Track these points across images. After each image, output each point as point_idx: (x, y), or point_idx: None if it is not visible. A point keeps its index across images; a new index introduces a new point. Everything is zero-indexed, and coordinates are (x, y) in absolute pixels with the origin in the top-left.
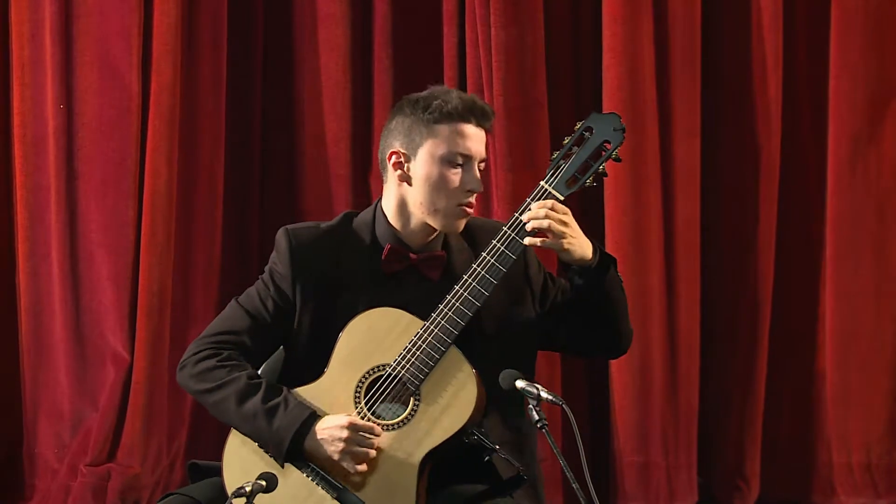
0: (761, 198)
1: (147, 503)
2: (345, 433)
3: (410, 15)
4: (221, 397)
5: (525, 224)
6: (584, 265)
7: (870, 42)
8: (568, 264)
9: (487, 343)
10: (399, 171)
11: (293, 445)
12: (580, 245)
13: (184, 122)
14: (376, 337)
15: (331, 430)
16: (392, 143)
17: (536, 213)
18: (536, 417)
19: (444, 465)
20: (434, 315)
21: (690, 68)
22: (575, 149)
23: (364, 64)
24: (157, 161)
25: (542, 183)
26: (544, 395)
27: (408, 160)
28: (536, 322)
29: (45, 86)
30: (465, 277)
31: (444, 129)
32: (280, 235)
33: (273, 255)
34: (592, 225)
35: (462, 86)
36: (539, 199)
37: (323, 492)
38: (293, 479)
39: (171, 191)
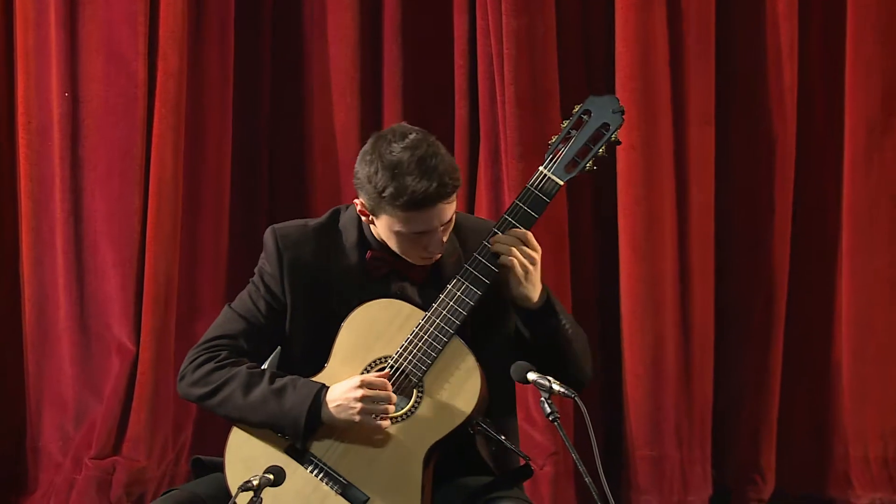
0: (776, 187)
1: (153, 497)
2: (359, 392)
3: (420, 3)
4: (226, 395)
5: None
6: (527, 306)
7: (886, 30)
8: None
9: (480, 335)
10: (365, 217)
11: (310, 420)
12: (534, 286)
13: (190, 110)
14: (377, 328)
15: (344, 394)
16: (358, 189)
17: (506, 241)
18: (548, 410)
19: (449, 456)
20: (435, 305)
21: (704, 56)
22: (573, 132)
23: (373, 53)
24: (163, 149)
25: (540, 168)
26: (556, 387)
27: (371, 213)
28: (512, 326)
29: (49, 73)
30: (466, 266)
31: (399, 213)
32: (267, 235)
33: (262, 255)
34: (604, 215)
35: (473, 75)
36: (538, 185)
37: (327, 487)
38: (297, 476)
39: (178, 179)
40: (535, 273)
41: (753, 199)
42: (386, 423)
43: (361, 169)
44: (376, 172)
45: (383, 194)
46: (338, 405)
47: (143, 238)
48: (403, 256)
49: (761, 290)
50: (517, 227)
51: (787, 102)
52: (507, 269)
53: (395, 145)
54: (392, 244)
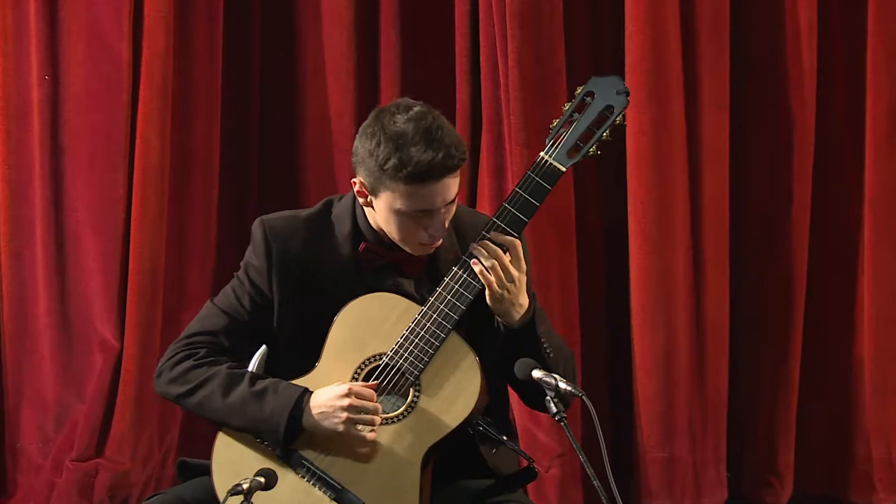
0: (794, 175)
1: (137, 501)
2: (346, 400)
3: None
4: (205, 395)
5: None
6: (506, 324)
7: None
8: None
9: (478, 331)
10: (363, 199)
11: (291, 426)
12: (511, 304)
13: (177, 93)
14: (372, 324)
15: (330, 401)
16: (356, 167)
17: (487, 252)
18: (554, 409)
19: (448, 458)
20: (432, 299)
21: (718, 37)
22: (576, 115)
23: (370, 33)
24: (148, 134)
25: (541, 154)
26: (562, 385)
27: (370, 193)
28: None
29: (28, 54)
30: (464, 258)
31: (401, 187)
32: (255, 227)
33: (249, 248)
34: (613, 203)
35: (475, 56)
36: (539, 172)
37: (320, 493)
38: (288, 480)
39: (164, 166)
40: (518, 292)
41: (770, 188)
42: (372, 434)
43: (362, 144)
44: (378, 145)
45: (385, 167)
46: (322, 412)
47: (127, 228)
48: (401, 245)
49: (779, 283)
50: (509, 232)
51: (806, 86)
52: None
53: (398, 117)
54: (391, 228)
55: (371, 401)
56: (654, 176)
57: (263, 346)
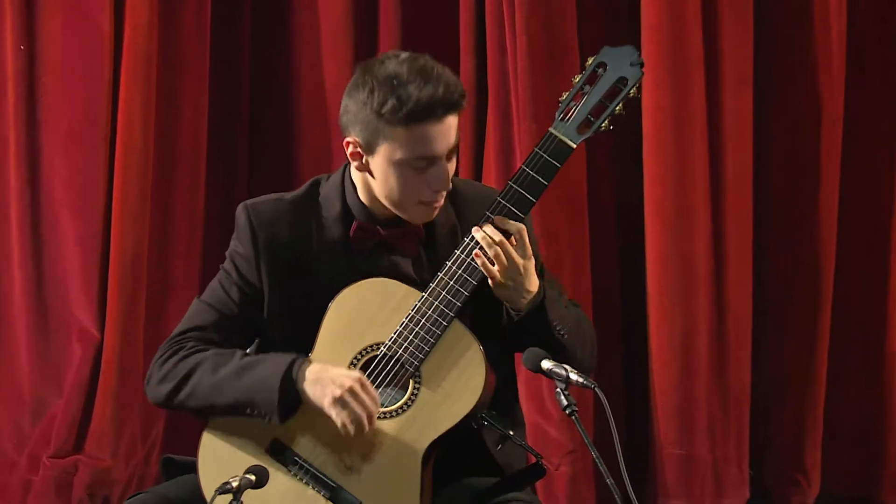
0: (822, 156)
1: (119, 500)
2: (350, 382)
3: None
4: (195, 382)
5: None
6: (512, 309)
7: None
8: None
9: (481, 319)
10: (357, 162)
11: (286, 387)
12: (516, 290)
13: (162, 67)
14: (368, 312)
15: (336, 374)
16: (347, 127)
17: (489, 238)
18: (565, 402)
19: (450, 455)
20: (433, 285)
21: (741, 6)
22: (587, 88)
23: (368, 2)
24: (131, 112)
25: (550, 130)
26: (573, 377)
27: (366, 153)
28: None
29: (3, 24)
30: (467, 240)
31: (401, 132)
32: (239, 213)
33: (233, 236)
34: (628, 185)
35: (480, 25)
36: (548, 149)
37: (314, 491)
38: (279, 479)
39: (148, 144)
40: (524, 280)
41: (796, 169)
42: (352, 430)
43: (351, 100)
44: (371, 91)
45: (383, 111)
46: (318, 378)
47: (108, 209)
48: (401, 211)
49: (805, 269)
50: (515, 213)
51: (835, 60)
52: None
53: (388, 62)
54: (391, 187)
55: (375, 403)
56: (673, 156)
57: (256, 341)
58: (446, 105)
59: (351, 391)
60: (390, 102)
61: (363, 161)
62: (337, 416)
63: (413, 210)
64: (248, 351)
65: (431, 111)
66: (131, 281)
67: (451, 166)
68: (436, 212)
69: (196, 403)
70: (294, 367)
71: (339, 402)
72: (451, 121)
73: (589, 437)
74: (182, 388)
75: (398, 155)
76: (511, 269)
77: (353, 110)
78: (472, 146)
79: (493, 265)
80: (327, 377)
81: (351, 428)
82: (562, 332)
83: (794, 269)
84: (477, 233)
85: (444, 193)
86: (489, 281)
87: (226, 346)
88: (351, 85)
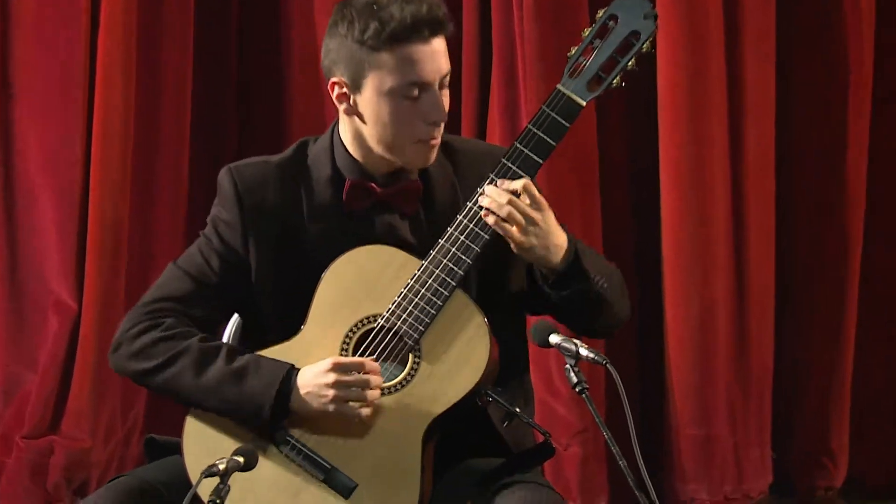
0: (850, 131)
1: (98, 484)
2: (330, 377)
3: None
4: (173, 373)
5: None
6: (547, 270)
7: None
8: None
9: (485, 287)
10: (345, 105)
11: (277, 409)
12: (545, 248)
13: (143, 27)
14: (365, 281)
15: (314, 379)
16: (331, 69)
17: (496, 197)
18: (575, 379)
19: (453, 434)
20: (434, 252)
21: None
22: (597, 42)
23: None
24: (111, 73)
25: (558, 86)
26: (584, 352)
27: (353, 92)
28: (523, 278)
29: None
30: (469, 204)
31: (387, 57)
32: (222, 177)
33: (216, 201)
34: (641, 161)
35: None
36: (555, 107)
37: (307, 474)
38: (270, 460)
39: (128, 109)
40: (547, 233)
41: (823, 143)
42: (366, 410)
43: (332, 39)
44: (351, 23)
45: (365, 38)
46: (308, 391)
47: (86, 177)
48: (397, 154)
49: (832, 243)
50: (522, 176)
51: (865, 30)
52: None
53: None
54: (384, 125)
55: (358, 372)
56: (690, 130)
57: (236, 316)
58: (432, 23)
59: (337, 384)
60: (372, 26)
61: (351, 103)
62: (349, 412)
63: (410, 151)
64: (231, 329)
65: (416, 30)
66: (111, 250)
67: (446, 99)
68: (434, 151)
69: (171, 396)
70: (287, 384)
71: (338, 400)
72: (439, 44)
73: (600, 417)
74: (157, 374)
75: (387, 84)
76: (530, 226)
77: (335, 47)
78: (476, 108)
79: (511, 226)
80: (313, 385)
81: (366, 412)
82: (602, 283)
83: (820, 243)
84: (483, 199)
85: (442, 129)
86: (513, 246)
87: (204, 322)
88: (330, 24)
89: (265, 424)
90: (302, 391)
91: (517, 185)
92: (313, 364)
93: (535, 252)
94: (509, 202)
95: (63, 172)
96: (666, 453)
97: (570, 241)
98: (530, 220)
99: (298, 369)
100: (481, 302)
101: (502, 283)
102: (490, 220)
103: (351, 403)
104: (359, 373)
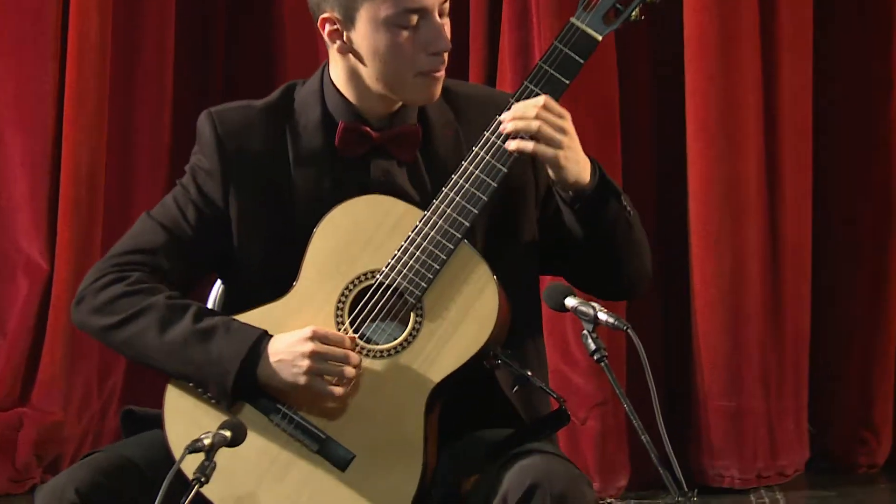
0: (894, 61)
1: (71, 460)
2: (308, 346)
3: None
4: (136, 330)
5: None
6: (578, 191)
7: None
8: (556, 188)
9: (493, 239)
10: (338, 43)
11: (242, 376)
12: (577, 162)
13: None
14: (361, 234)
15: (290, 346)
16: (320, 3)
17: (523, 114)
18: (593, 347)
19: (459, 401)
20: (437, 201)
21: None
22: None
23: None
24: (86, 9)
25: (571, 20)
26: (603, 316)
27: (346, 28)
28: (535, 231)
29: None
30: (475, 148)
31: None
32: (202, 121)
33: (195, 148)
34: (667, 96)
35: None
36: (569, 42)
37: (299, 445)
38: (260, 430)
39: (105, 48)
40: (574, 140)
41: (863, 76)
42: (340, 389)
43: None
44: None
45: None
46: (279, 359)
47: (59, 124)
48: (397, 90)
49: (874, 192)
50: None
51: None
52: (533, 154)
53: None
54: (382, 61)
55: (340, 346)
56: (720, 62)
57: (219, 282)
58: None
59: (314, 355)
60: None
61: (344, 39)
62: (321, 389)
63: (412, 86)
64: (215, 294)
65: None
66: (85, 206)
67: (447, 28)
68: (439, 85)
69: (132, 355)
70: (257, 349)
71: (312, 372)
72: None
73: (621, 387)
74: (118, 329)
75: (382, 12)
76: (563, 138)
77: None
78: (484, 51)
79: (543, 144)
80: (287, 352)
81: (340, 391)
82: (628, 209)
83: (862, 193)
84: (507, 121)
85: (446, 60)
86: (549, 169)
87: (175, 278)
88: None
89: (227, 392)
90: (272, 358)
91: (539, 101)
92: (293, 332)
93: (568, 171)
94: (537, 116)
95: (34, 123)
96: (693, 427)
97: (591, 159)
98: (560, 130)
99: (271, 336)
100: (490, 254)
101: (513, 231)
102: (512, 145)
103: (326, 378)
104: (340, 346)
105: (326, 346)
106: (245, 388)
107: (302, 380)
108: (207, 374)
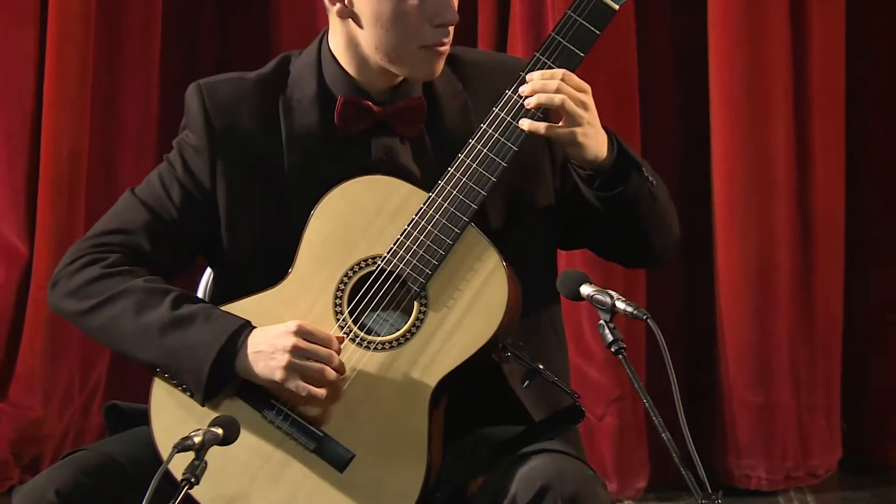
0: None
1: (52, 460)
2: (290, 340)
3: None
4: (111, 315)
5: (525, 100)
6: (596, 168)
7: None
8: (573, 166)
9: (503, 223)
10: (338, 6)
11: (218, 367)
12: (596, 138)
13: None
14: (362, 217)
15: (271, 339)
16: None
17: (544, 86)
18: (610, 338)
19: (466, 396)
20: (442, 182)
21: None
22: None
23: None
24: None
25: None
26: (621, 305)
27: None
28: (552, 205)
29: None
30: (483, 125)
31: None
32: (190, 94)
33: (182, 122)
34: (690, 65)
35: None
36: (583, 11)
37: (295, 443)
38: (253, 428)
39: (89, 15)
40: (594, 121)
41: None
42: (320, 391)
43: None
44: None
45: None
46: (258, 351)
47: (38, 98)
48: (401, 64)
49: None
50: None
51: None
52: (547, 135)
53: None
54: (384, 29)
55: (325, 346)
56: (746, 27)
57: (209, 270)
58: None
59: (295, 351)
60: None
61: (346, 2)
62: (297, 387)
63: (415, 59)
64: (205, 283)
65: None
66: (68, 184)
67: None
68: (442, 61)
69: (107, 342)
70: (237, 338)
71: (291, 369)
72: None
73: (640, 381)
74: (92, 314)
75: None
76: (585, 113)
77: None
78: (494, 20)
79: (562, 119)
80: (268, 344)
81: (320, 393)
82: (650, 179)
83: None
84: (528, 93)
85: (451, 34)
86: (569, 150)
87: (157, 260)
88: None
89: (202, 384)
90: (251, 349)
91: (557, 72)
92: (280, 324)
93: (587, 149)
94: (559, 89)
95: (11, 95)
96: (717, 424)
97: (609, 133)
98: (580, 104)
99: (254, 327)
100: (503, 234)
101: (528, 209)
102: (525, 124)
103: (312, 389)
104: (325, 345)
105: (309, 344)
106: (221, 381)
107: (278, 375)
108: (182, 362)
